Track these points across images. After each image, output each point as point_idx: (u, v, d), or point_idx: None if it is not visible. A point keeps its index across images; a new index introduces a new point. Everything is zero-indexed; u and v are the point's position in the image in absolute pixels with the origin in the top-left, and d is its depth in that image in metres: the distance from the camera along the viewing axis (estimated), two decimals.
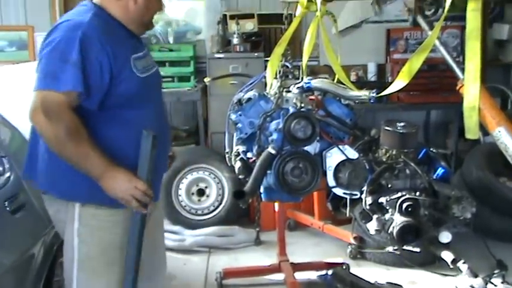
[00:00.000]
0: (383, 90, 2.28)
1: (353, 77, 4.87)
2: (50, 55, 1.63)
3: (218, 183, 4.05)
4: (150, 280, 1.93)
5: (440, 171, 3.16)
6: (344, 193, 2.50)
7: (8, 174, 1.94)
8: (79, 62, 1.62)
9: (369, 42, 4.95)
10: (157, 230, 2.04)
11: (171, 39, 4.59)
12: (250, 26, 4.54)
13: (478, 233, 3.59)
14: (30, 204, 1.98)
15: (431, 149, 3.37)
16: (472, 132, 1.91)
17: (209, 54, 4.49)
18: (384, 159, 3.16)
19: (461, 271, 2.90)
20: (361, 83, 4.50)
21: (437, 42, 2.07)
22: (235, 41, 4.40)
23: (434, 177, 3.14)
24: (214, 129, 4.38)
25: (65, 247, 1.76)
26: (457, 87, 2.01)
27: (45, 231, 2.06)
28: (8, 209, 1.83)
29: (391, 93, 2.22)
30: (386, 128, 3.19)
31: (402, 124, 3.20)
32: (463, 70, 1.94)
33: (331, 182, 2.43)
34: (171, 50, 4.50)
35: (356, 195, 2.55)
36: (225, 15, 4.55)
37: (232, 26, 4.45)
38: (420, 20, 2.11)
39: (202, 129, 4.49)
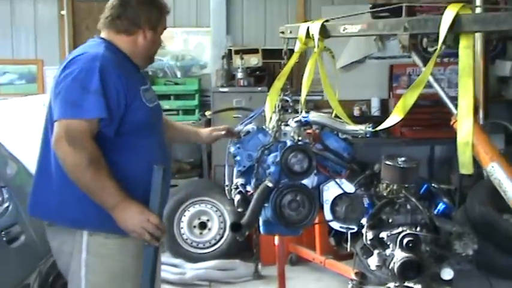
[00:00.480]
0: (379, 125, 2.30)
1: (356, 112, 4.92)
2: (72, 85, 1.71)
3: (220, 216, 4.05)
4: None
5: (441, 206, 3.15)
6: (341, 227, 2.50)
7: (6, 205, 1.98)
8: (100, 89, 1.71)
9: (372, 77, 5.02)
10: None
11: (178, 74, 4.68)
12: (254, 60, 4.64)
13: (481, 270, 3.54)
14: (28, 235, 2.00)
15: (432, 184, 3.37)
16: (466, 167, 1.92)
17: (213, 88, 4.57)
18: (385, 194, 3.17)
19: None
20: (364, 118, 4.55)
21: (431, 78, 2.09)
22: (239, 75, 4.49)
23: (435, 212, 3.13)
24: (217, 162, 4.42)
25: (71, 278, 1.78)
26: (451, 123, 2.03)
27: (41, 261, 2.07)
28: (4, 239, 1.85)
29: (387, 128, 2.24)
30: (387, 162, 3.20)
31: (403, 159, 3.21)
32: (457, 106, 1.95)
33: (328, 215, 2.43)
34: (176, 84, 4.59)
35: (353, 229, 2.54)
36: (230, 50, 4.65)
37: (237, 60, 4.55)
38: (414, 57, 2.14)
39: (206, 162, 4.54)
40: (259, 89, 4.43)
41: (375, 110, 4.89)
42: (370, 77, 4.99)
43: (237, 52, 4.58)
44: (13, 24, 4.71)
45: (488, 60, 4.80)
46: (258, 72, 4.65)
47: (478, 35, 4.28)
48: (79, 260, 1.75)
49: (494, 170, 1.88)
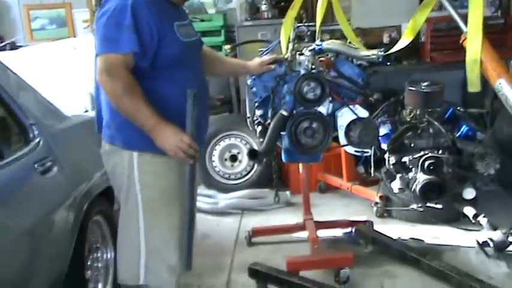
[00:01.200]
0: (390, 49, 2.30)
1: (386, 39, 4.82)
2: (107, 23, 1.85)
3: (249, 147, 4.17)
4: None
5: (464, 129, 3.16)
6: (356, 151, 2.57)
7: (37, 140, 2.14)
8: (133, 25, 1.83)
9: (402, 2, 4.85)
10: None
11: (211, 10, 4.66)
12: None
13: (508, 189, 3.57)
14: (60, 167, 2.17)
15: (458, 108, 3.35)
16: (474, 85, 1.93)
17: (238, 23, 4.57)
18: (408, 119, 3.19)
19: (482, 225, 2.92)
20: (390, 45, 4.45)
21: None
22: (263, 7, 4.45)
23: (458, 135, 3.14)
24: (245, 97, 4.48)
25: (127, 194, 1.99)
26: (461, 41, 2.01)
27: (74, 190, 2.25)
28: (38, 170, 2.02)
29: (398, 50, 2.24)
30: (410, 87, 3.20)
31: (426, 83, 3.20)
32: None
33: (342, 140, 2.50)
34: (202, 21, 4.60)
35: (367, 152, 2.61)
36: None
37: None
38: None
39: (234, 98, 4.62)
40: (284, 20, 4.38)
41: None
42: (399, 2, 4.83)
43: None
44: None
45: None
46: (282, 3, 4.58)
47: None
48: (133, 177, 1.96)
49: (502, 86, 1.88)
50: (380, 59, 2.48)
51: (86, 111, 3.16)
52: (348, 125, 2.48)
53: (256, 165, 4.15)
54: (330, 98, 2.49)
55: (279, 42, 2.78)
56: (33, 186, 2.00)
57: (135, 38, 1.82)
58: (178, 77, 1.95)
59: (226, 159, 4.22)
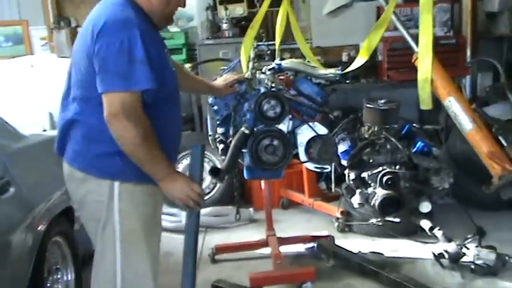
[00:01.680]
0: (347, 68, 2.38)
1: (345, 58, 4.94)
2: (117, 56, 1.69)
3: (212, 166, 4.18)
4: None
5: (420, 145, 3.27)
6: (315, 167, 2.63)
7: None
8: (146, 58, 1.70)
9: (360, 21, 5.00)
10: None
11: (172, 28, 4.67)
12: (239, 10, 4.63)
13: (462, 203, 3.69)
14: (17, 187, 2.13)
15: (413, 125, 3.47)
16: (425, 103, 2.01)
17: (200, 41, 4.60)
18: (367, 136, 3.28)
19: (437, 238, 3.01)
20: (347, 64, 4.56)
21: (393, 18, 2.15)
22: (224, 26, 4.50)
23: (414, 151, 3.25)
24: (208, 115, 4.50)
25: (103, 225, 1.86)
26: (413, 60, 2.10)
27: (33, 211, 2.21)
28: None
29: (355, 69, 2.31)
30: (368, 105, 3.29)
31: (383, 101, 3.31)
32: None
33: (302, 157, 2.55)
34: (164, 38, 4.60)
35: (327, 169, 2.67)
36: (214, 1, 4.64)
37: (222, 11, 4.55)
38: None
39: (197, 116, 4.63)
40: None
41: None
42: (358, 21, 4.97)
43: (221, 2, 4.58)
44: None
45: None
46: (243, 23, 4.65)
47: None
48: (112, 207, 1.84)
49: (451, 103, 1.97)
50: (337, 78, 2.56)
51: (45, 130, 3.11)
52: (308, 142, 2.54)
53: (218, 183, 4.16)
54: (290, 116, 2.54)
55: (239, 61, 2.83)
56: None
57: (150, 73, 1.71)
58: (171, 109, 1.89)
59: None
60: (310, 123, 2.54)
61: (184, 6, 1.93)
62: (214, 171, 2.48)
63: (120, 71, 1.70)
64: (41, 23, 4.78)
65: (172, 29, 4.81)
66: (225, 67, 4.12)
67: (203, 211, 3.99)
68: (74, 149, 1.87)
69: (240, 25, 4.60)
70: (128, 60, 1.69)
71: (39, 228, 2.22)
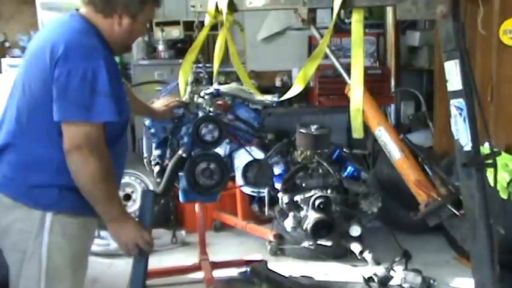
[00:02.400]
0: (283, 95, 2.44)
1: (278, 83, 5.07)
2: (80, 86, 1.62)
3: (144, 188, 4.11)
4: None
5: (350, 169, 3.40)
6: (252, 191, 2.66)
7: None
8: (110, 91, 1.64)
9: (292, 48, 5.17)
10: None
11: None
12: (176, 32, 4.64)
13: (389, 226, 3.86)
14: None
15: (344, 150, 3.61)
16: (357, 132, 2.10)
17: (134, 61, 4.55)
18: (300, 160, 3.37)
19: (367, 261, 3.12)
20: (285, 88, 4.69)
21: (327, 50, 2.25)
22: (160, 47, 4.49)
23: (345, 175, 3.37)
24: (141, 136, 4.44)
25: (28, 258, 1.74)
26: (345, 91, 2.20)
27: None
28: None
29: (291, 97, 2.38)
30: (301, 130, 3.40)
31: (315, 126, 3.42)
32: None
33: (239, 181, 2.58)
34: None
35: (263, 192, 2.71)
36: (150, 22, 4.62)
37: (158, 32, 4.54)
38: (313, 30, 2.29)
39: (129, 136, 4.54)
40: (181, 61, 4.38)
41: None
42: (290, 48, 5.14)
43: (157, 24, 4.57)
44: None
45: (399, 31, 5.09)
46: (179, 45, 4.66)
47: (389, 8, 4.52)
48: (41, 239, 1.72)
49: (381, 133, 2.07)
50: (274, 104, 2.62)
51: None
52: (245, 166, 2.57)
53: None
54: (228, 140, 2.56)
55: (177, 84, 2.82)
56: None
57: (113, 106, 1.65)
58: (122, 142, 1.84)
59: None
60: (247, 148, 2.57)
61: (144, 35, 1.89)
62: None
63: (82, 101, 1.63)
64: None
65: None
66: (161, 88, 4.15)
67: None
68: (5, 175, 1.75)
69: (176, 47, 4.60)
70: (91, 91, 1.63)
71: None
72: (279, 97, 2.59)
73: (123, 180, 3.99)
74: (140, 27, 1.83)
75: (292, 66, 5.15)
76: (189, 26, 4.73)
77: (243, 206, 4.00)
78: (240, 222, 3.98)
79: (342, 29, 5.15)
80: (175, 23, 4.66)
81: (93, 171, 1.64)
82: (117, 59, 4.54)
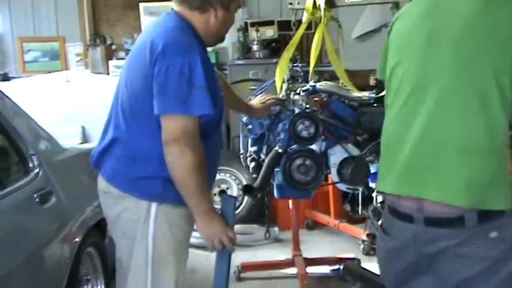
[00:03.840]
0: (382, 91, 2.40)
1: (372, 81, 4.97)
2: (178, 80, 1.70)
3: (238, 184, 4.23)
4: None
5: None
6: (347, 188, 2.64)
7: (37, 170, 2.17)
8: (205, 84, 1.71)
9: None
10: None
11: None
12: (270, 32, 4.72)
13: None
14: (57, 198, 2.20)
15: None
16: None
17: (230, 61, 4.68)
18: None
19: None
20: (379, 88, 4.59)
21: None
22: (255, 47, 4.58)
23: None
24: (235, 134, 4.56)
25: (138, 244, 1.85)
26: None
27: (71, 222, 2.27)
28: (37, 200, 2.05)
29: None
30: None
31: None
32: None
33: (335, 178, 2.56)
34: None
35: (358, 190, 2.67)
36: (246, 23, 4.74)
37: (253, 33, 4.64)
38: None
39: (224, 133, 4.69)
40: (275, 60, 4.48)
41: None
42: None
43: (252, 25, 4.67)
44: (34, 2, 4.86)
45: None
46: (273, 44, 4.74)
47: None
48: (147, 227, 1.82)
49: None
50: (372, 101, 2.58)
51: (81, 143, 3.19)
52: (341, 163, 2.55)
53: (245, 201, 4.19)
54: (323, 137, 2.56)
55: (274, 81, 2.87)
56: (32, 215, 2.02)
57: (209, 99, 1.71)
58: (216, 136, 1.90)
59: (215, 194, 4.25)
60: (343, 144, 2.56)
61: (233, 23, 1.95)
62: (248, 189, 2.51)
63: (180, 95, 1.69)
64: (77, 40, 4.93)
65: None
66: (255, 87, 4.23)
67: None
68: (113, 167, 1.86)
69: (270, 47, 4.68)
70: (188, 85, 1.69)
71: (75, 239, 2.28)
72: (377, 93, 2.55)
73: (218, 177, 4.20)
74: (232, 16, 1.89)
75: None
76: (283, 26, 4.82)
77: (335, 205, 3.98)
78: (333, 221, 3.96)
79: None
80: (270, 23, 4.74)
81: (188, 163, 1.70)
82: (213, 59, 4.75)
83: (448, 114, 1.43)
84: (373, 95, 2.56)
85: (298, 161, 2.51)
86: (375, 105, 2.79)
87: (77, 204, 2.39)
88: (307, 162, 2.51)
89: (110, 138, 1.87)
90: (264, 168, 2.53)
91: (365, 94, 2.58)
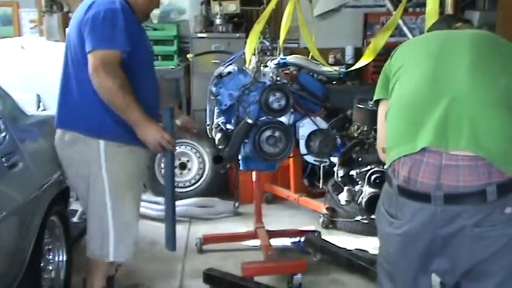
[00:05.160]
0: (350, 67, 2.47)
1: (331, 60, 5.05)
2: (102, 23, 2.05)
3: (199, 157, 4.23)
4: None
5: None
6: (315, 160, 2.71)
7: (3, 134, 2.09)
8: (124, 27, 2.07)
9: (347, 26, 5.14)
10: None
11: (155, 20, 4.71)
12: (232, 7, 4.69)
13: None
14: (25, 163, 2.13)
15: None
16: None
17: (192, 34, 4.63)
18: (356, 135, 3.38)
19: None
20: (338, 66, 4.69)
21: (400, 22, 2.25)
22: (217, 21, 4.55)
23: None
24: (196, 107, 4.55)
25: (93, 181, 2.19)
26: None
27: (38, 189, 2.21)
28: (5, 164, 1.98)
29: (358, 68, 2.40)
30: (359, 105, 3.40)
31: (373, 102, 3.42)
32: None
33: (303, 150, 2.63)
34: (155, 30, 4.61)
35: (325, 162, 2.75)
36: None
37: (215, 6, 4.59)
38: (387, 2, 2.29)
39: (185, 107, 4.65)
40: (238, 35, 4.52)
41: (349, 58, 5.03)
42: (345, 26, 5.11)
43: None
44: None
45: (458, 11, 4.97)
46: (236, 19, 4.72)
47: None
48: (99, 165, 2.16)
49: None
50: (341, 75, 2.65)
51: (44, 109, 3.09)
52: (309, 135, 2.61)
53: (205, 173, 4.20)
54: (292, 109, 2.61)
55: (243, 53, 2.88)
56: (0, 180, 1.95)
57: (126, 38, 2.06)
58: (144, 75, 2.22)
59: (175, 167, 4.22)
60: (312, 118, 2.61)
61: (159, 6, 2.39)
62: (217, 159, 2.53)
63: (103, 34, 2.05)
64: (32, 6, 4.72)
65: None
66: (218, 61, 4.21)
67: (188, 201, 4.06)
68: (67, 115, 2.19)
69: (233, 21, 4.65)
70: (111, 26, 2.05)
71: (41, 206, 2.22)
72: (347, 68, 2.61)
73: (178, 150, 4.18)
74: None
75: (345, 44, 5.13)
76: (245, 1, 4.81)
77: (296, 179, 4.06)
78: (293, 195, 4.04)
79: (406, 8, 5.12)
80: None
81: (108, 85, 2.03)
82: (174, 31, 4.66)
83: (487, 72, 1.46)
84: (343, 69, 2.62)
85: (268, 133, 2.55)
86: (346, 80, 2.85)
87: (43, 171, 2.33)
88: (277, 133, 2.56)
89: (61, 93, 2.20)
90: (233, 138, 2.56)
91: (335, 68, 2.64)
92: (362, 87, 4.78)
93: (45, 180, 2.30)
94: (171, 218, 2.32)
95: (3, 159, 1.98)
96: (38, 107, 3.73)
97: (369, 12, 5.10)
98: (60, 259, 2.60)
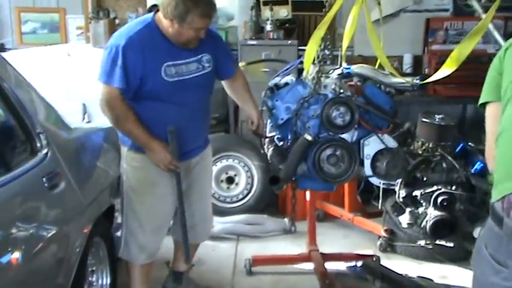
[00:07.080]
0: (427, 78, 2.19)
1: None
2: (107, 58, 2.26)
3: (247, 171, 4.01)
4: (194, 227, 2.61)
5: (478, 165, 3.07)
6: (381, 183, 2.44)
7: (45, 151, 1.92)
8: (122, 65, 2.21)
9: (406, 32, 4.81)
10: (202, 178, 2.60)
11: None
12: (284, 12, 4.47)
13: None
14: (67, 182, 1.96)
15: (469, 143, 3.28)
16: None
17: (241, 41, 4.43)
18: (420, 152, 3.09)
19: None
20: (411, 76, 4.33)
21: (490, 26, 1.96)
22: (268, 27, 4.33)
23: (472, 171, 3.05)
24: (244, 118, 4.33)
25: (120, 181, 2.49)
26: None
27: (81, 210, 2.04)
28: (46, 185, 1.81)
29: (436, 80, 2.13)
30: (424, 119, 3.11)
31: (440, 116, 3.12)
32: None
33: (368, 171, 2.37)
34: None
35: (393, 185, 2.48)
36: (258, 1, 4.48)
37: (266, 12, 4.39)
38: (474, 2, 2.00)
39: (232, 117, 4.46)
40: (289, 42, 4.29)
41: (407, 67, 4.71)
42: (403, 32, 4.78)
43: (265, 3, 4.41)
44: None
45: None
46: (287, 25, 4.49)
47: None
48: (123, 168, 2.46)
49: None
50: (415, 88, 2.37)
51: (88, 121, 2.95)
52: (375, 155, 2.35)
53: (253, 189, 3.98)
54: (356, 125, 2.35)
55: (300, 62, 2.65)
56: (41, 203, 1.78)
57: (124, 76, 2.22)
58: (158, 108, 2.33)
59: (222, 181, 4.03)
60: (379, 135, 2.35)
61: (199, 36, 2.30)
62: (274, 180, 2.30)
63: (106, 68, 2.25)
64: (79, 12, 4.64)
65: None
66: (267, 69, 4.00)
67: (236, 218, 3.85)
68: None
69: (284, 27, 4.43)
70: (112, 62, 2.23)
71: (85, 229, 2.05)
72: (422, 79, 2.34)
73: (225, 163, 3.98)
74: (188, 32, 2.26)
75: (403, 52, 4.80)
76: (297, 6, 4.58)
77: (350, 197, 3.78)
78: (347, 214, 3.76)
79: (463, 12, 4.76)
80: (284, 2, 4.49)
81: (108, 115, 2.29)
82: (223, 37, 4.47)
83: None
84: (417, 82, 2.34)
85: (329, 151, 2.31)
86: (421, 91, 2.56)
87: (87, 190, 2.16)
88: (339, 152, 2.31)
89: None
90: (291, 157, 2.33)
91: (408, 80, 2.37)
92: (422, 99, 4.45)
93: (88, 200, 2.13)
94: (183, 236, 2.50)
95: (44, 179, 1.80)
96: (84, 117, 3.62)
97: (431, 17, 4.75)
98: (104, 282, 2.44)
